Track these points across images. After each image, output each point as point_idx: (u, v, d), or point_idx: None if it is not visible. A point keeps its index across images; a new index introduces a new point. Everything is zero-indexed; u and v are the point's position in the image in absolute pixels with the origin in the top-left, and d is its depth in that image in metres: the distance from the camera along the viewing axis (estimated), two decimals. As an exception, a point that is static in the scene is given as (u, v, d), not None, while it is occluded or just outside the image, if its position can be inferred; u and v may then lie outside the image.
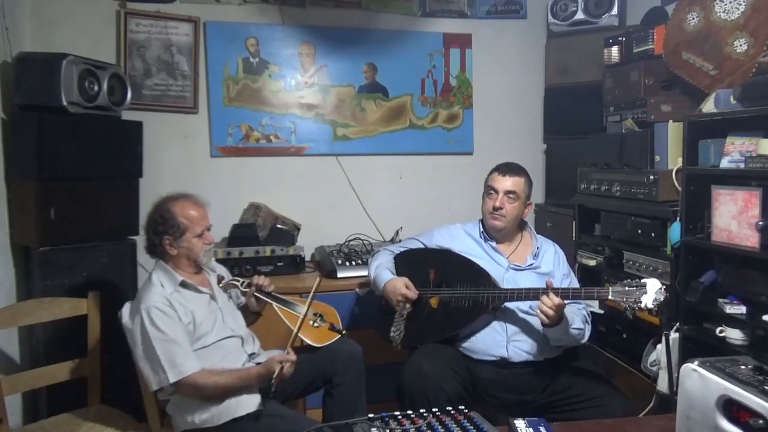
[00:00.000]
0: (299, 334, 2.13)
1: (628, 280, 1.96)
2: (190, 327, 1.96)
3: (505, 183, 2.26)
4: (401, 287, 2.21)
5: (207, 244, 2.08)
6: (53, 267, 2.40)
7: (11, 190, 2.50)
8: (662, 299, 1.88)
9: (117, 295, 2.40)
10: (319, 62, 3.33)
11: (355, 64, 3.37)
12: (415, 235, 2.51)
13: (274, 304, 2.17)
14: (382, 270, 2.33)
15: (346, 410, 2.10)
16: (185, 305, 1.98)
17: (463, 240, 2.36)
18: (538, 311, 1.97)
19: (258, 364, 2.09)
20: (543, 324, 2.03)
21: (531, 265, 2.27)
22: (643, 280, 1.92)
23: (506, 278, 2.22)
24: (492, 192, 2.28)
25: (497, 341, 2.15)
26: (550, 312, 1.94)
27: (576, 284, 2.32)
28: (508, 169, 2.29)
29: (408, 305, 2.21)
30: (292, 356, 1.92)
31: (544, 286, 2.03)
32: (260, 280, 2.19)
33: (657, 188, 2.40)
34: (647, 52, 2.71)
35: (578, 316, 2.14)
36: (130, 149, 2.70)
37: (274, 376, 1.86)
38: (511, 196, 2.25)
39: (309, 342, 2.15)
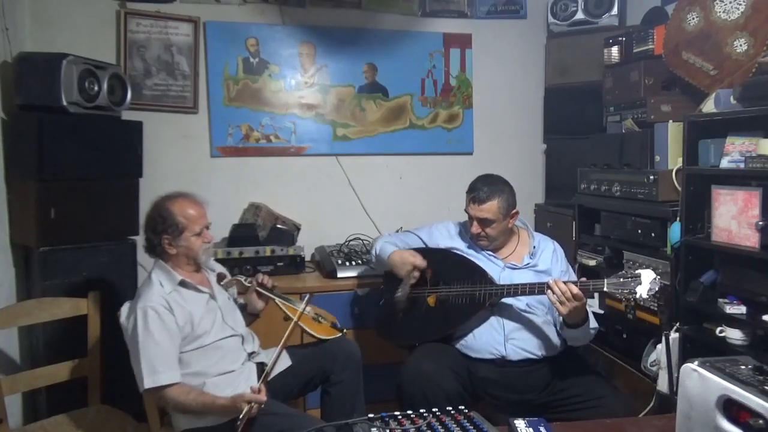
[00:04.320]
0: (304, 326, 2.12)
1: (623, 271, 1.97)
2: (187, 328, 1.96)
3: (478, 212, 2.21)
4: (409, 255, 2.24)
5: (206, 242, 2.08)
6: (53, 267, 2.40)
7: (11, 190, 2.50)
8: (657, 289, 1.89)
9: (117, 295, 2.40)
10: (319, 62, 3.33)
11: (355, 64, 3.37)
12: (413, 229, 2.50)
13: (277, 299, 2.17)
14: (387, 245, 2.34)
15: (344, 409, 2.11)
16: (183, 305, 1.98)
17: (461, 240, 2.37)
18: (558, 303, 1.95)
19: (258, 363, 2.10)
20: (568, 324, 2.04)
21: (528, 263, 2.28)
22: (637, 271, 1.93)
23: (503, 276, 2.22)
24: (470, 217, 2.27)
25: (495, 339, 2.15)
26: (574, 303, 1.92)
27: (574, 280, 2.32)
28: (478, 196, 2.20)
29: (416, 273, 2.24)
30: (262, 397, 1.78)
31: (541, 281, 2.04)
32: (263, 277, 2.20)
33: (657, 188, 2.39)
34: (647, 52, 2.71)
35: (591, 314, 2.14)
36: (130, 149, 2.70)
37: (241, 416, 1.74)
38: (486, 222, 2.22)
39: (313, 333, 2.14)
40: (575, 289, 1.93)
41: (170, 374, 1.87)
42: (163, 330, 1.89)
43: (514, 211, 2.26)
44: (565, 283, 1.96)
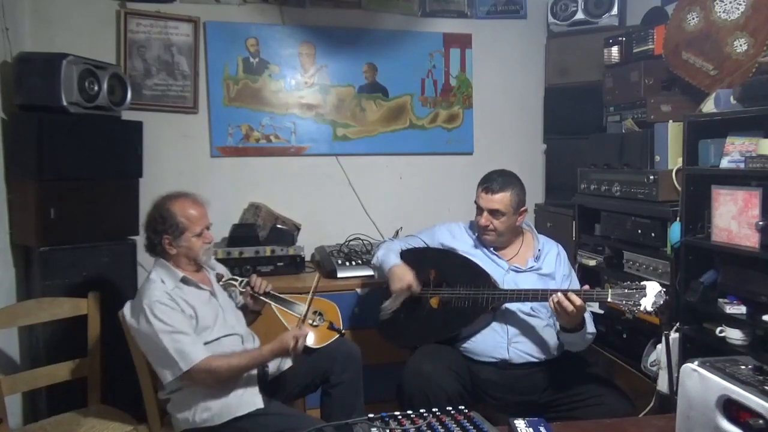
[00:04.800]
0: None
1: (628, 282, 1.95)
2: (192, 322, 1.97)
3: (489, 202, 2.21)
4: (408, 274, 2.21)
5: (206, 243, 2.08)
6: (53, 267, 2.40)
7: (11, 190, 2.50)
8: (662, 302, 1.86)
9: (117, 295, 2.40)
10: (319, 62, 3.33)
11: (355, 64, 3.37)
12: (416, 232, 2.50)
13: (273, 304, 2.17)
14: (390, 254, 2.32)
15: (344, 410, 2.10)
16: (187, 300, 1.98)
17: (465, 240, 2.36)
18: (556, 311, 1.95)
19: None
20: (564, 329, 2.04)
21: (532, 267, 2.27)
22: (642, 283, 1.91)
23: (506, 280, 2.22)
24: (479, 209, 2.27)
25: (498, 342, 2.15)
26: (572, 312, 1.92)
27: (576, 285, 2.31)
28: (491, 187, 2.21)
29: (407, 293, 2.22)
30: (306, 330, 2.02)
31: (544, 288, 2.03)
32: (256, 281, 2.19)
33: (657, 188, 2.39)
34: (647, 52, 2.71)
35: (589, 319, 2.14)
36: (130, 149, 2.70)
37: (290, 349, 1.95)
38: (496, 214, 2.22)
39: (307, 344, 2.15)
40: (578, 301, 1.92)
41: (199, 349, 1.89)
42: (175, 316, 1.91)
43: (523, 208, 2.27)
44: (567, 293, 1.94)
